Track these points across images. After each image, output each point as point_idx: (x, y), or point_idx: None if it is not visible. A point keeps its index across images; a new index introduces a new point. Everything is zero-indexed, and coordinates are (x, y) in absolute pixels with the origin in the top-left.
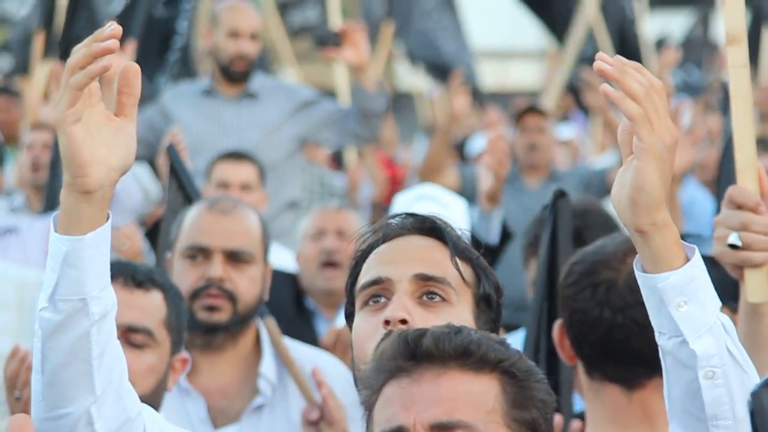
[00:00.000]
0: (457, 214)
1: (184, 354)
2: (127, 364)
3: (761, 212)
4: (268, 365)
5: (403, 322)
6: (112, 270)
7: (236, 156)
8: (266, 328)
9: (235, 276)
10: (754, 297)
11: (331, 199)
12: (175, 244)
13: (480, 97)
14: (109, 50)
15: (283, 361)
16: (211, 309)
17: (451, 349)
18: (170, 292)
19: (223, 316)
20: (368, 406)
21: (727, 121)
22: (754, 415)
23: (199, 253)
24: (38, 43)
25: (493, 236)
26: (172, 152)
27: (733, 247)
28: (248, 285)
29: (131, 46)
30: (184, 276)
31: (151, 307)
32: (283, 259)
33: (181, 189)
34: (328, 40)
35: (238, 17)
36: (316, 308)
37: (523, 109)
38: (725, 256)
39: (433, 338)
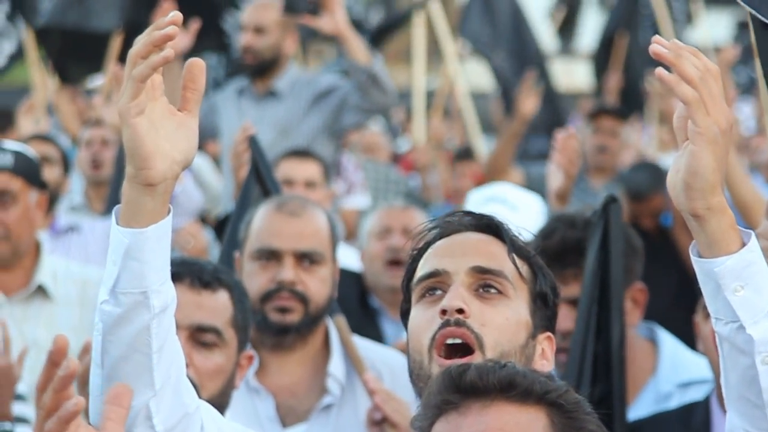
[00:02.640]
0: (528, 215)
1: (249, 351)
2: (197, 365)
3: None
4: (336, 364)
5: (460, 311)
6: (178, 270)
7: (300, 153)
8: (336, 326)
9: (306, 278)
10: None
11: (398, 195)
12: (245, 245)
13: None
14: (169, 37)
15: (351, 359)
16: (283, 311)
17: (495, 381)
18: (236, 291)
19: (295, 317)
20: None
21: None
22: None
23: (269, 256)
24: (115, 44)
25: None
26: (254, 144)
27: None
28: (319, 286)
29: (195, 25)
30: (254, 278)
31: (218, 307)
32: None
33: (260, 182)
34: (299, 7)
35: (246, 12)
36: (381, 307)
37: (598, 110)
38: None
39: (477, 372)
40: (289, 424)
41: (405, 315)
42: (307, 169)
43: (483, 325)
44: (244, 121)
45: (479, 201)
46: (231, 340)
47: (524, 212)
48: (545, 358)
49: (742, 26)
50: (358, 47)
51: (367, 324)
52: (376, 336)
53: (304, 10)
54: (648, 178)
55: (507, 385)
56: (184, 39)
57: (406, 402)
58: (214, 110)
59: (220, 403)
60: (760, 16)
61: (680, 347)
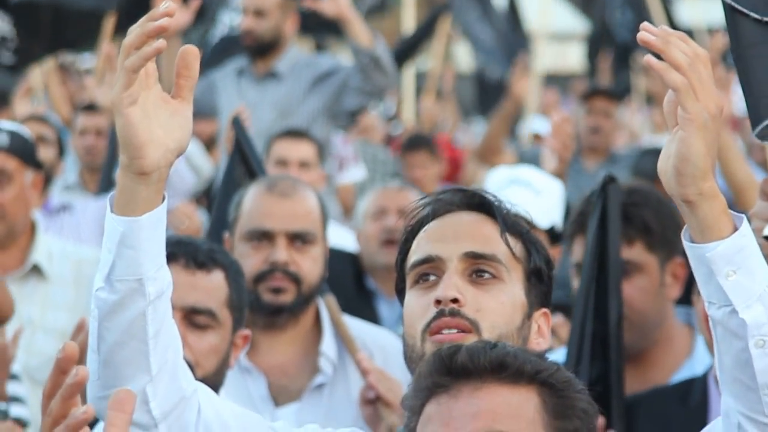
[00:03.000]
0: (550, 199)
1: (245, 331)
2: (191, 345)
3: None
4: (328, 344)
5: (455, 301)
6: (173, 250)
7: (294, 134)
8: (326, 305)
9: (299, 258)
10: None
11: (386, 175)
12: (235, 226)
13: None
14: (163, 29)
15: (343, 339)
16: (277, 291)
17: (486, 362)
18: (231, 270)
19: (288, 297)
20: (411, 429)
21: None
22: None
23: (261, 237)
24: (108, 23)
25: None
26: (237, 125)
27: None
28: (311, 266)
29: (195, 2)
30: (247, 259)
31: (213, 288)
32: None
33: (245, 162)
34: None
35: None
36: (377, 288)
37: (592, 91)
38: (762, 249)
39: (468, 353)
40: (281, 403)
41: (400, 293)
42: (302, 150)
43: (478, 310)
44: (243, 102)
45: (502, 182)
46: (226, 320)
47: (547, 196)
48: (541, 335)
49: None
50: (360, 29)
51: (362, 305)
52: (372, 317)
53: None
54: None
55: (498, 366)
56: (184, 15)
57: (399, 381)
58: (213, 89)
59: (215, 382)
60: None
61: None
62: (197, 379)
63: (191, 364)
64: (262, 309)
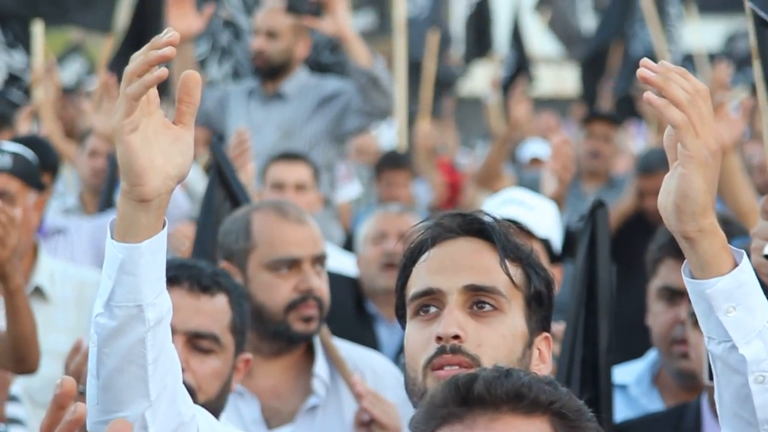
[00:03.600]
0: (544, 215)
1: (246, 354)
2: (194, 369)
3: None
4: (321, 366)
5: (456, 337)
6: (177, 274)
7: (290, 157)
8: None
9: (320, 282)
10: None
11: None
12: (248, 257)
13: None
14: (166, 58)
15: (334, 362)
16: (308, 320)
17: (503, 393)
18: (234, 294)
19: (315, 325)
20: None
21: None
22: None
23: (288, 265)
24: (105, 49)
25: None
26: (216, 149)
27: None
28: (326, 288)
29: (209, 10)
30: (275, 289)
31: (216, 312)
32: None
33: (224, 186)
34: (301, 7)
35: (259, 16)
36: (378, 312)
37: (592, 115)
38: (762, 267)
39: (485, 383)
40: (274, 426)
41: (401, 318)
42: (298, 172)
43: (479, 345)
44: (249, 122)
45: (496, 204)
46: (228, 344)
47: (541, 212)
48: (542, 360)
49: (731, 39)
50: (359, 49)
51: (363, 329)
52: (372, 341)
53: (307, 11)
54: (660, 156)
55: (514, 397)
56: (197, 22)
57: (393, 403)
58: (225, 106)
59: (217, 406)
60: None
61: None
62: (199, 403)
63: (193, 389)
64: (290, 338)
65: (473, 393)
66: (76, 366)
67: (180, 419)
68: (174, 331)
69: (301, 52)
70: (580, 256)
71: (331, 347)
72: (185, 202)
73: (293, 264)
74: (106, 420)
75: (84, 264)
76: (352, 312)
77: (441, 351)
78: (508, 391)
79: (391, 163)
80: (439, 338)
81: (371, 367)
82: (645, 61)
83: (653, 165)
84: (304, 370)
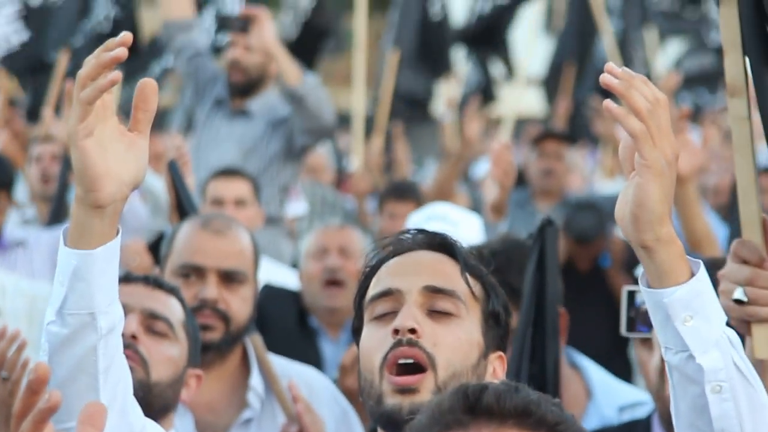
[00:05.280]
0: (468, 232)
1: (198, 371)
2: (148, 347)
3: (766, 267)
4: (256, 379)
5: (412, 331)
6: (131, 276)
7: (229, 173)
8: (252, 344)
9: (228, 296)
10: (762, 353)
11: (334, 216)
12: (166, 261)
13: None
14: (118, 59)
15: (267, 376)
16: (205, 328)
17: (512, 407)
18: (186, 307)
19: (215, 335)
20: None
21: None
22: None
23: (192, 272)
24: (62, 61)
25: None
26: (173, 168)
27: (738, 302)
28: (240, 305)
29: None
30: None
31: (171, 305)
32: (276, 275)
33: (178, 204)
34: (230, 24)
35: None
36: (320, 327)
37: (542, 134)
38: (731, 311)
39: (495, 395)
40: None
41: (356, 332)
42: (236, 188)
43: (435, 344)
44: (213, 134)
45: (420, 221)
46: (183, 340)
47: (465, 228)
48: (496, 377)
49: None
50: (287, 65)
51: (305, 344)
52: (315, 356)
53: (235, 27)
54: (593, 221)
55: (522, 412)
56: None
57: (322, 419)
58: (204, 87)
59: (168, 398)
60: None
61: (601, 371)
62: (152, 381)
63: (147, 364)
64: None
65: (482, 403)
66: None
67: (130, 429)
68: (130, 310)
69: (275, 71)
70: (529, 274)
71: (265, 361)
72: (144, 212)
73: (196, 272)
74: (58, 430)
75: (44, 276)
76: (295, 326)
77: (397, 344)
78: (517, 406)
79: (396, 193)
80: (395, 331)
81: (306, 382)
82: (609, 66)
83: (590, 234)
84: (239, 384)
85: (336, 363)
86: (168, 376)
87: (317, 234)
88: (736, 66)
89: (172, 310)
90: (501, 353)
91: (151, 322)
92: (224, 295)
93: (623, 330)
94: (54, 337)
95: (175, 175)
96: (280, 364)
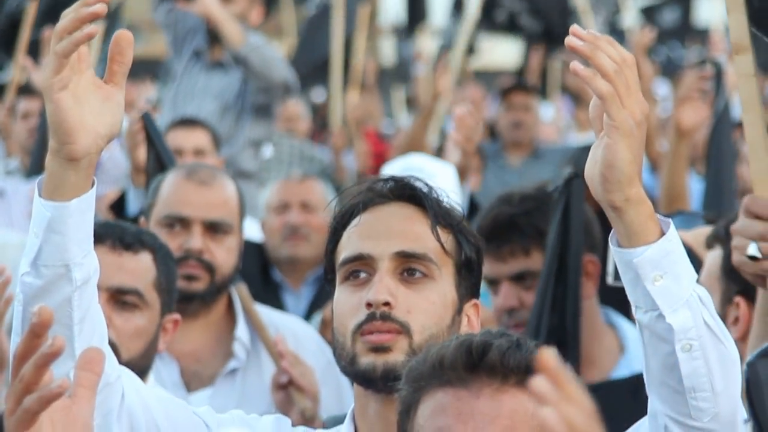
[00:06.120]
0: (444, 183)
1: (174, 315)
2: (117, 326)
3: None
4: (242, 329)
5: (386, 304)
6: (100, 232)
7: (188, 123)
8: (238, 294)
9: (214, 247)
10: None
11: (311, 169)
12: (151, 211)
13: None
14: (97, 15)
15: (254, 326)
16: (189, 278)
17: (515, 364)
18: (160, 253)
19: (200, 285)
20: (409, 402)
21: (717, 101)
22: (749, 384)
23: (177, 223)
24: (32, 8)
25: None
26: (147, 120)
27: (752, 258)
28: (226, 256)
29: None
30: None
31: (140, 269)
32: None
33: (157, 157)
34: None
35: None
36: (283, 280)
37: (510, 87)
38: (745, 266)
39: (499, 353)
40: (193, 389)
41: (329, 281)
42: (195, 138)
43: (409, 312)
44: (190, 87)
45: (396, 172)
46: (153, 302)
47: (441, 180)
48: (471, 327)
49: (648, 11)
50: (228, 29)
51: (268, 296)
52: (278, 308)
53: None
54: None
55: (524, 370)
56: None
57: (311, 367)
58: (183, 38)
59: (143, 365)
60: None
61: (637, 330)
62: (122, 361)
63: (116, 346)
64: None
65: (486, 360)
66: None
67: (105, 380)
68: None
69: (255, 20)
70: (554, 226)
71: (252, 311)
72: (124, 162)
73: (181, 223)
74: None
75: (21, 227)
76: (257, 279)
77: (371, 317)
78: (519, 364)
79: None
80: (369, 304)
81: (292, 332)
82: (574, 28)
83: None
84: (224, 334)
85: (299, 314)
86: (138, 349)
87: (278, 187)
88: (741, 25)
89: (141, 274)
90: (475, 300)
91: (119, 296)
92: (209, 246)
93: (610, 279)
94: (28, 288)
95: (150, 127)
96: (266, 313)
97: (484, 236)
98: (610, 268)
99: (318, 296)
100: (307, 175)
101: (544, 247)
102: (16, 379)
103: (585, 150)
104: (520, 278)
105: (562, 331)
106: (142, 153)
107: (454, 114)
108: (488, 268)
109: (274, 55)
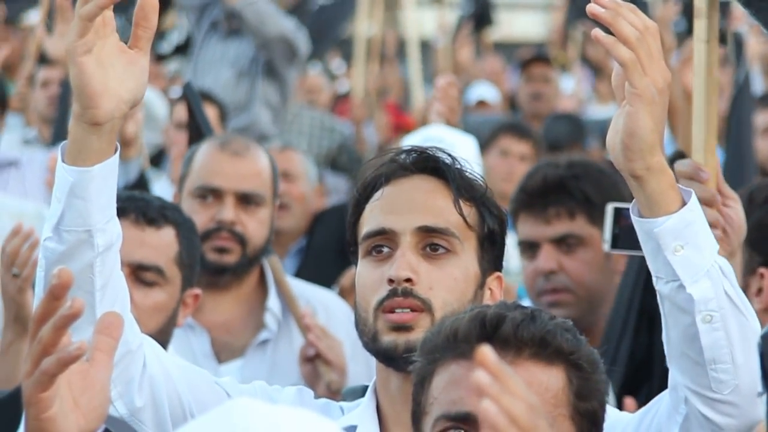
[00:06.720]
0: (464, 154)
1: (195, 290)
2: (136, 302)
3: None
4: (273, 300)
5: (408, 280)
6: (123, 205)
7: None
8: (270, 265)
9: (246, 219)
10: None
11: (333, 143)
12: (184, 182)
13: None
14: None
15: (285, 298)
16: (221, 251)
17: (528, 337)
18: (183, 228)
19: (232, 258)
20: (423, 374)
21: (738, 72)
22: (763, 357)
23: (210, 194)
24: None
25: None
26: (189, 90)
27: None
28: (258, 227)
29: None
30: (193, 216)
31: (162, 244)
32: None
33: (197, 127)
34: None
35: None
36: (270, 251)
37: (529, 58)
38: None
39: (513, 326)
40: (224, 360)
41: (353, 254)
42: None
43: (431, 288)
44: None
45: (415, 143)
46: (174, 278)
47: (461, 151)
48: (494, 300)
49: None
50: None
51: None
52: None
53: None
54: (567, 129)
55: (538, 343)
56: None
57: (340, 341)
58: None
59: (161, 340)
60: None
61: None
62: None
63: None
64: (206, 267)
65: (500, 333)
66: (12, 248)
67: (127, 347)
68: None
69: None
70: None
71: (283, 282)
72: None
73: (216, 194)
74: None
75: (35, 196)
76: None
77: (392, 294)
78: (533, 336)
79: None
80: (390, 281)
81: (324, 305)
82: None
83: (561, 140)
84: (256, 305)
85: None
86: (157, 324)
87: None
88: None
89: (162, 249)
90: (498, 273)
91: (140, 273)
92: (241, 217)
93: (607, 247)
94: (51, 253)
95: (191, 97)
96: (297, 286)
97: (529, 197)
98: (606, 236)
99: (301, 268)
100: (286, 145)
101: (588, 214)
102: (35, 340)
103: (555, 120)
104: (561, 241)
105: (653, 311)
106: (129, 126)
107: (435, 84)
108: (528, 229)
109: (270, 9)
